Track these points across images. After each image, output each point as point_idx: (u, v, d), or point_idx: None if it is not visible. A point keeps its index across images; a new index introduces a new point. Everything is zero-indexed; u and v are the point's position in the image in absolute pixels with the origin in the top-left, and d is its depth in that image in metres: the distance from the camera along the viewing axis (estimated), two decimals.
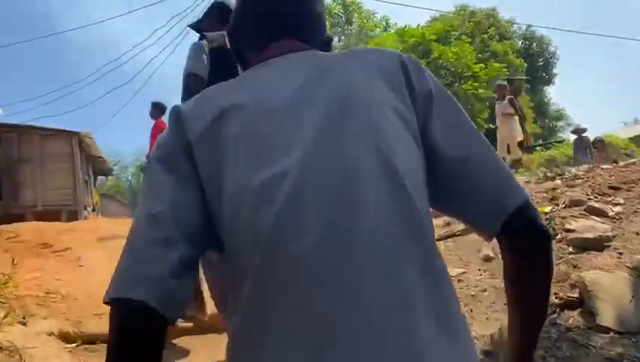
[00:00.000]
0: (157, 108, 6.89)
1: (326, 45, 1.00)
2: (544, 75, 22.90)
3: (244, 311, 0.67)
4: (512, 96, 8.27)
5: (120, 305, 0.65)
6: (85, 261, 4.17)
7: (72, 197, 11.40)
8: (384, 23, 22.80)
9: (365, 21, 21.53)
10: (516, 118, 8.23)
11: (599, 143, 10.23)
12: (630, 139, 16.46)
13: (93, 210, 13.49)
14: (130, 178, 35.18)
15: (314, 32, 0.95)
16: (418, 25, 15.44)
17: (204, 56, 2.52)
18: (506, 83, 9.10)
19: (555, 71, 23.65)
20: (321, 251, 0.64)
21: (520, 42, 22.45)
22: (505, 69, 15.12)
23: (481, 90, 13.54)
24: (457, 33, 15.17)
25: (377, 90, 0.77)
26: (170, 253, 0.66)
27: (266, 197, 0.68)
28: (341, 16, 19.32)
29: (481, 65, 14.37)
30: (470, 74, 14.13)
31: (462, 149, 0.78)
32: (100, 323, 2.88)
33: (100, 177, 16.57)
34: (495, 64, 15.05)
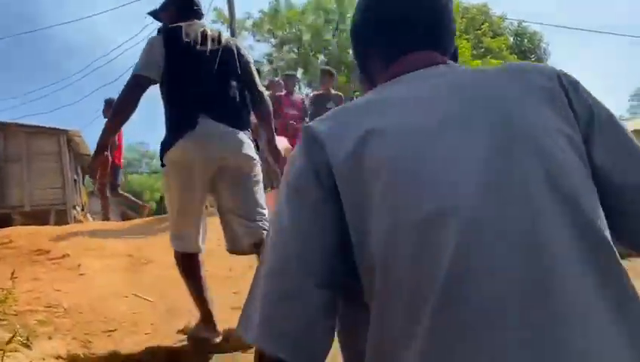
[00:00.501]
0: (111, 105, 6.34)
1: (454, 56, 0.90)
2: None
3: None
4: None
5: (266, 355, 0.67)
6: (85, 269, 3.90)
7: (61, 197, 11.15)
8: None
9: None
10: None
11: None
12: None
13: (82, 209, 13.20)
14: None
15: (448, 43, 0.86)
16: None
17: (157, 53, 2.38)
18: None
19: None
20: (513, 298, 0.57)
21: (512, 38, 22.43)
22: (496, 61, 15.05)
23: None
24: None
25: (542, 112, 0.70)
26: (305, 306, 0.66)
27: (435, 235, 0.60)
28: (335, 12, 19.13)
29: (479, 61, 14.33)
30: None
31: (631, 175, 0.71)
32: (110, 342, 2.63)
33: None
34: (492, 60, 15.00)
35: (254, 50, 22.62)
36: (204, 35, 2.48)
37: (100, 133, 2.48)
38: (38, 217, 9.29)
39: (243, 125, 2.56)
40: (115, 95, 3.59)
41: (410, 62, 0.80)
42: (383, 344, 0.63)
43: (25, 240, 4.52)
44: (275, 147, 2.81)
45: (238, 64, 2.59)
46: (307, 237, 0.67)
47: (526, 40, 22.96)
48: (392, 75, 0.80)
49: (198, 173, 2.40)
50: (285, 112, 7.66)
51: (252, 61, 2.77)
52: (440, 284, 0.57)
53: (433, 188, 0.62)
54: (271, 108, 2.75)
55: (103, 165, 2.52)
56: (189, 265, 2.55)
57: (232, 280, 3.69)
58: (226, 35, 2.72)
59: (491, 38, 18.20)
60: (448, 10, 0.84)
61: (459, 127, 0.66)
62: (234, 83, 2.58)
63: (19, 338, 2.25)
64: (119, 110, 2.45)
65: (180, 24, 2.46)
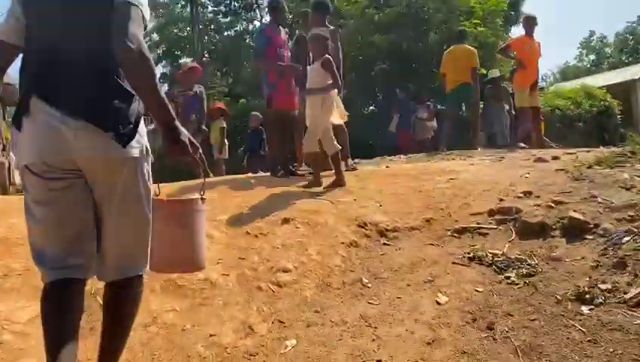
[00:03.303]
0: None
1: None
2: (512, 13, 21.54)
3: None
4: (328, 56, 4.73)
5: None
6: None
7: None
8: None
9: None
10: (334, 91, 4.82)
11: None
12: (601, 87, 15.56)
13: (4, 148, 10.90)
14: None
15: None
16: None
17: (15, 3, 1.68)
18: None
19: (523, 9, 22.38)
20: None
21: None
22: (503, 4, 13.18)
23: (481, 29, 11.68)
24: None
25: None
26: None
27: None
28: None
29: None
30: (465, 8, 12.26)
31: None
32: None
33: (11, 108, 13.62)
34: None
35: None
36: None
37: None
38: None
39: (110, 117, 1.64)
40: None
41: None
42: None
43: None
44: (178, 141, 1.67)
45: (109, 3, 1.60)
46: None
47: None
48: None
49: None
50: (280, 54, 5.76)
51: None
52: None
53: None
54: (147, 70, 1.61)
55: None
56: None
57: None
58: None
59: None
60: None
61: None
62: (98, 39, 1.61)
63: None
64: None
65: None
